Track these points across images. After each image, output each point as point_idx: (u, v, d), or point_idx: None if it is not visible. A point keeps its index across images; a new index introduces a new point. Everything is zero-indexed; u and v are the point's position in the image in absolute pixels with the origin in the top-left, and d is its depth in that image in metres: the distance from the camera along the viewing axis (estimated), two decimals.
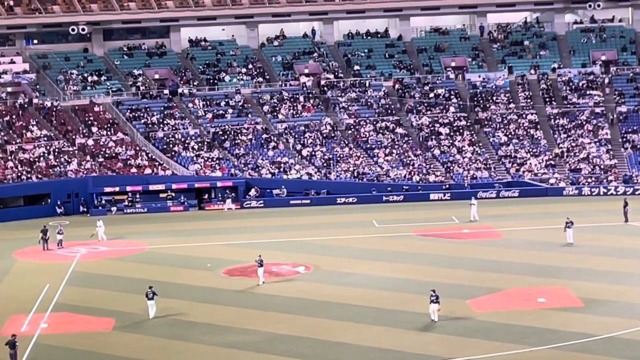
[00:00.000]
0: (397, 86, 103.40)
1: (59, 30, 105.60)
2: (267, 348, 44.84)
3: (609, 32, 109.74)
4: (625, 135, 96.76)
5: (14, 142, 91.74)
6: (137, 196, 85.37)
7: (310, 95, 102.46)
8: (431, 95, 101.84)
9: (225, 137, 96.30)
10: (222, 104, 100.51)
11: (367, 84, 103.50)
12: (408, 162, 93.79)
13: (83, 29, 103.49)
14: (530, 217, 75.79)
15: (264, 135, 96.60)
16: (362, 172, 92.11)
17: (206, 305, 52.58)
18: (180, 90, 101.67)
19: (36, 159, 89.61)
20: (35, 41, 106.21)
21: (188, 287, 56.56)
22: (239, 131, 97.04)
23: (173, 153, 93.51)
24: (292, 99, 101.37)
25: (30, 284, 58.26)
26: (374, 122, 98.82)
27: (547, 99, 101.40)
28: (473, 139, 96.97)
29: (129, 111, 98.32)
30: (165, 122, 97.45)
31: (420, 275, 57.47)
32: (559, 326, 46.43)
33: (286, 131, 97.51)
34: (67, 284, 58.45)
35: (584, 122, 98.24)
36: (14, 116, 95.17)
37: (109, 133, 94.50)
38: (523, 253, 62.77)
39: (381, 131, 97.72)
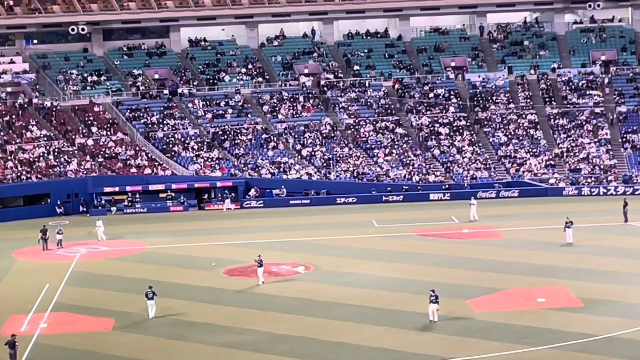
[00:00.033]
0: (397, 86, 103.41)
1: (59, 30, 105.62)
2: (267, 348, 44.83)
3: (609, 32, 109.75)
4: (625, 136, 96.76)
5: (14, 142, 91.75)
6: (137, 196, 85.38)
7: (310, 96, 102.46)
8: (431, 95, 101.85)
9: (225, 137, 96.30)
10: (222, 104, 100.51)
11: (367, 84, 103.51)
12: (408, 162, 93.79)
13: (83, 29, 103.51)
14: (530, 217, 75.79)
15: (264, 136, 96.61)
16: (362, 172, 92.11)
17: (206, 305, 52.58)
18: (180, 91, 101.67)
19: (36, 159, 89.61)
20: (35, 41, 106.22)
21: (188, 287, 56.56)
22: (239, 131, 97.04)
23: (173, 153, 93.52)
24: (292, 99, 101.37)
25: (30, 284, 58.27)
26: (374, 123, 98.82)
27: (547, 99, 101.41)
28: (473, 139, 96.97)
29: (129, 111, 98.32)
30: (165, 122, 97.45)
31: (420, 275, 57.47)
32: (559, 326, 46.43)
33: (286, 131, 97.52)
34: (67, 284, 58.45)
35: (584, 123, 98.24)
36: (14, 116, 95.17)
37: (109, 133, 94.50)
38: (523, 253, 62.77)
39: (381, 131, 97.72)
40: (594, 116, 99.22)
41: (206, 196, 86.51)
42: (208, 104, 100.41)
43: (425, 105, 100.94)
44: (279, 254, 64.33)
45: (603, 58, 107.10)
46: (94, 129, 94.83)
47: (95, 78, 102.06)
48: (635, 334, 44.99)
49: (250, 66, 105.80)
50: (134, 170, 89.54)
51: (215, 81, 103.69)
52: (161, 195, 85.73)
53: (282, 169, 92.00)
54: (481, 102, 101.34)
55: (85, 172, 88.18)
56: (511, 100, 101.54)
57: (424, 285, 52.64)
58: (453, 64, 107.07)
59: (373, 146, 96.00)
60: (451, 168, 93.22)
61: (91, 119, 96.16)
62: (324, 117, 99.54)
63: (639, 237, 67.01)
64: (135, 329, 48.69)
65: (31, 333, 48.10)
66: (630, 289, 53.01)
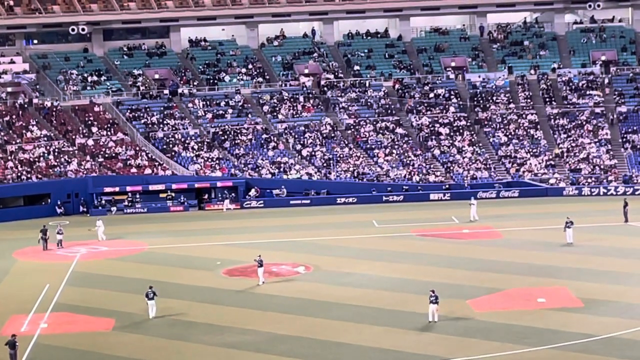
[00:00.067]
0: (397, 86, 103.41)
1: (59, 30, 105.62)
2: (267, 348, 44.83)
3: (609, 32, 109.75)
4: (625, 136, 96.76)
5: (14, 142, 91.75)
6: (137, 196, 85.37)
7: (310, 95, 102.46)
8: (431, 95, 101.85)
9: (225, 137, 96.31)
10: (222, 104, 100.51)
11: (367, 84, 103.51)
12: (408, 162, 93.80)
13: (83, 29, 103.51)
14: (530, 217, 75.79)
15: (264, 135, 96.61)
16: (362, 172, 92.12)
17: (206, 305, 52.57)
18: (180, 90, 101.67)
19: (36, 159, 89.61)
20: (35, 41, 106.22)
21: (188, 287, 56.55)
22: (239, 131, 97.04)
23: (173, 153, 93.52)
24: (292, 99, 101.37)
25: (30, 284, 58.26)
26: (374, 122, 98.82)
27: (547, 99, 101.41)
28: (473, 139, 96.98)
29: (129, 111, 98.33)
30: (165, 122, 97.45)
31: (420, 275, 57.47)
32: (559, 326, 46.43)
33: (286, 131, 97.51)
34: (67, 284, 58.44)
35: (584, 122, 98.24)
36: (14, 116, 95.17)
37: (109, 133, 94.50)
38: (523, 253, 62.77)
39: (381, 131, 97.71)
40: (594, 116, 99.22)
41: (206, 196, 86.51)
42: (208, 103, 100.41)
43: (425, 105, 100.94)
44: (279, 254, 64.32)
45: (603, 58, 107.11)
46: (94, 129, 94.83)
47: (95, 78, 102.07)
48: (635, 334, 45.00)
49: (250, 66, 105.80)
50: (134, 170, 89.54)
51: (215, 81, 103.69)
52: (161, 195, 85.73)
53: (282, 169, 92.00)
54: (481, 102, 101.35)
55: (85, 172, 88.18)
56: (511, 100, 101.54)
57: (424, 285, 52.64)
58: (453, 64, 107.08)
59: (373, 146, 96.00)
60: (451, 168, 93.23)
61: (91, 118, 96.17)
62: (324, 117, 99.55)
63: (639, 237, 67.00)
64: (135, 329, 48.69)
65: (31, 333, 48.10)
66: (630, 289, 53.01)
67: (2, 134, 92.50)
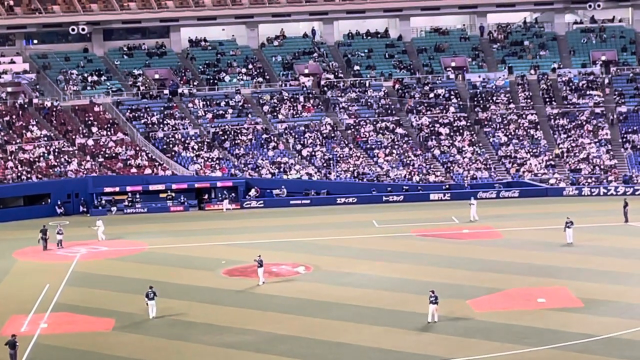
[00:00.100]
0: (397, 86, 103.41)
1: (59, 30, 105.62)
2: (267, 348, 44.83)
3: (609, 32, 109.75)
4: (625, 136, 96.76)
5: (14, 142, 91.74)
6: (137, 196, 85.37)
7: (310, 95, 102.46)
8: (431, 95, 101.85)
9: (225, 137, 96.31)
10: (222, 104, 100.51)
11: (367, 84, 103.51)
12: (408, 162, 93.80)
13: (83, 29, 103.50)
14: (530, 217, 75.79)
15: (264, 136, 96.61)
16: (362, 172, 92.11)
17: (206, 305, 52.57)
18: (180, 90, 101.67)
19: (36, 159, 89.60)
20: (35, 41, 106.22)
21: (188, 287, 56.55)
22: (239, 131, 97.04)
23: (173, 153, 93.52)
24: (292, 99, 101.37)
25: (30, 284, 58.26)
26: (374, 122, 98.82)
27: (547, 99, 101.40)
28: (473, 139, 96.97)
29: (129, 111, 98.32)
30: (165, 122, 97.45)
31: (420, 275, 57.47)
32: (559, 326, 46.43)
33: (286, 131, 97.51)
34: (67, 284, 58.44)
35: (584, 123, 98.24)
36: (14, 116, 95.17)
37: (109, 133, 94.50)
38: (523, 253, 62.77)
39: (381, 131, 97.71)
40: (594, 116, 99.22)
41: (206, 196, 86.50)
42: (208, 103, 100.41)
43: (425, 105, 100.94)
44: (279, 254, 64.32)
45: (603, 58, 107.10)
46: (94, 129, 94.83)
47: (95, 78, 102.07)
48: (635, 334, 44.99)
49: (250, 66, 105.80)
50: (134, 170, 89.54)
51: (215, 81, 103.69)
52: (161, 195, 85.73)
53: (282, 169, 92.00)
54: (481, 102, 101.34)
55: (85, 172, 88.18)
56: (511, 100, 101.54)
57: (424, 285, 52.64)
58: (453, 64, 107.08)
59: (373, 146, 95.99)
60: (451, 168, 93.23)
61: (91, 118, 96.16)
62: (324, 117, 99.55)
63: (639, 237, 67.00)
64: (135, 329, 48.69)
65: (31, 333, 48.09)
66: (630, 289, 53.01)
67: (2, 134, 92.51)
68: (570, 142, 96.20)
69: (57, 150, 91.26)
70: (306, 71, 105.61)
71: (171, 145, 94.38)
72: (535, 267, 58.56)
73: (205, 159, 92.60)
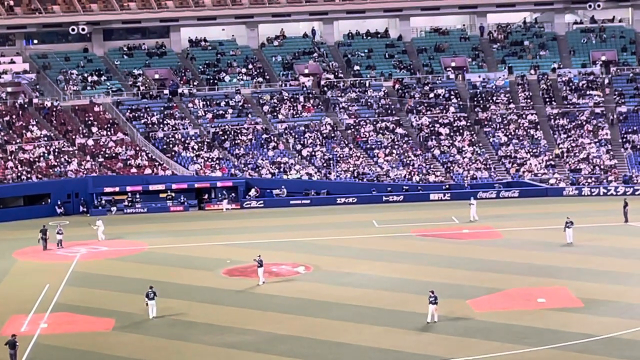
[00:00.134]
0: (397, 86, 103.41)
1: (59, 30, 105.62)
2: (267, 348, 44.83)
3: (609, 32, 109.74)
4: (625, 136, 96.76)
5: (14, 142, 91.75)
6: (137, 196, 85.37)
7: (310, 95, 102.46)
8: (431, 95, 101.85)
9: (225, 137, 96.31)
10: (222, 104, 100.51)
11: (367, 84, 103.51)
12: (408, 162, 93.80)
13: (83, 29, 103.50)
14: (530, 217, 75.79)
15: (264, 136, 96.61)
16: (362, 172, 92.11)
17: (206, 305, 52.57)
18: (180, 90, 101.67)
19: (36, 159, 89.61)
20: (35, 41, 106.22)
21: (188, 287, 56.55)
22: (239, 131, 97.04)
23: (173, 153, 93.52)
24: (292, 99, 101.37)
25: (30, 284, 58.26)
26: (374, 122, 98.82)
27: (547, 99, 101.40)
28: (473, 139, 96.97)
29: (129, 111, 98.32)
30: (165, 122, 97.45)
31: (420, 275, 57.47)
32: (559, 326, 46.43)
33: (286, 131, 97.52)
34: (67, 284, 58.44)
35: (584, 123, 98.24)
36: (14, 116, 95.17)
37: (109, 133, 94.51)
38: (523, 253, 62.77)
39: (381, 131, 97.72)
40: (594, 116, 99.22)
41: (206, 196, 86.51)
42: (208, 103, 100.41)
43: (425, 105, 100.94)
44: (279, 254, 64.32)
45: (603, 58, 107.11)
46: (94, 129, 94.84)
47: (95, 78, 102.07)
48: (635, 334, 45.00)
49: (250, 66, 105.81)
50: (134, 170, 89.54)
51: (215, 81, 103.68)
52: (161, 195, 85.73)
53: (282, 169, 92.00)
54: (481, 102, 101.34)
55: (85, 172, 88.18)
56: (511, 100, 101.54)
57: (424, 285, 52.63)
58: (453, 64, 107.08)
59: (373, 146, 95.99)
60: (451, 168, 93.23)
61: (91, 118, 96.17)
62: (324, 117, 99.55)
63: (639, 237, 67.00)
64: (135, 329, 48.69)
65: (31, 333, 48.10)
66: (630, 289, 53.02)
67: (2, 134, 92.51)
68: (570, 142, 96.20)
69: (57, 150, 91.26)
70: (306, 71, 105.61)
71: (171, 145, 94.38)
72: (535, 267, 58.57)
73: (205, 159, 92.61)
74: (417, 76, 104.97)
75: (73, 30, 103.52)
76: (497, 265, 59.76)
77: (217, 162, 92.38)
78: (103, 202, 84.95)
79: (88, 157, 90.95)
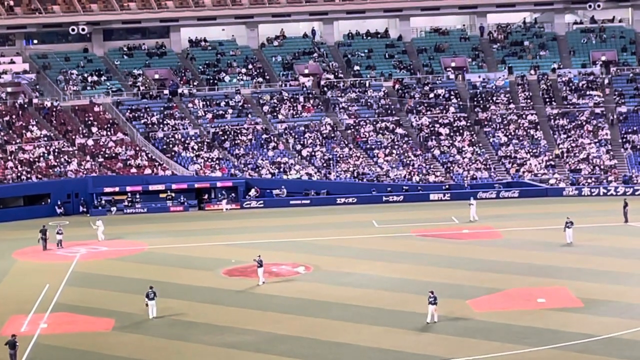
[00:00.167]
0: (397, 86, 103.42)
1: (59, 30, 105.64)
2: (267, 348, 44.82)
3: (609, 32, 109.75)
4: (625, 136, 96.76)
5: (14, 142, 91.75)
6: (137, 196, 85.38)
7: (310, 96, 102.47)
8: (431, 95, 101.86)
9: (225, 137, 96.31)
10: (222, 104, 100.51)
11: (367, 84, 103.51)
12: (408, 162, 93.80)
13: (83, 29, 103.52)
14: (530, 217, 75.79)
15: (264, 136, 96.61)
16: (362, 172, 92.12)
17: (206, 305, 52.57)
18: (180, 91, 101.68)
19: (36, 159, 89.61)
20: (35, 41, 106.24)
21: (188, 287, 56.54)
22: (239, 131, 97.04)
23: (173, 153, 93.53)
24: (292, 99, 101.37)
25: (30, 284, 58.25)
26: (374, 123, 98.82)
27: (547, 100, 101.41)
28: (473, 139, 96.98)
29: (129, 111, 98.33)
30: (165, 122, 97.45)
31: (420, 275, 57.46)
32: (559, 326, 46.42)
33: (286, 131, 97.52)
34: (67, 284, 58.43)
35: (584, 123, 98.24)
36: (14, 116, 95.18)
37: (109, 133, 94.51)
38: (523, 253, 62.77)
39: (381, 131, 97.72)
40: (594, 116, 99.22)
41: (206, 196, 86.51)
42: (208, 104, 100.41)
43: (425, 105, 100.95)
44: (279, 254, 64.32)
45: (603, 58, 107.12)
46: (94, 129, 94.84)
47: (95, 78, 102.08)
48: (635, 334, 44.99)
49: (250, 66, 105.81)
50: (133, 170, 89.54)
51: (215, 81, 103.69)
52: (161, 195, 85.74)
53: (282, 169, 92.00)
54: (481, 102, 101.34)
55: (85, 172, 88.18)
56: (511, 100, 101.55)
57: (424, 285, 52.62)
58: (453, 64, 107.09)
59: (373, 146, 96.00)
60: (451, 168, 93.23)
61: (91, 118, 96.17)
62: (324, 117, 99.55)
63: (639, 237, 67.00)
64: (135, 329, 48.68)
65: (31, 333, 48.08)
66: (630, 289, 53.01)
67: (2, 134, 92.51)
68: (570, 142, 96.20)
69: (57, 150, 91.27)
70: (306, 71, 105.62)
71: (171, 145, 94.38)
72: (535, 267, 58.56)
73: (205, 159, 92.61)
74: (417, 76, 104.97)
75: (73, 30, 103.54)
76: (497, 265, 59.75)
77: (217, 162, 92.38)
78: (103, 202, 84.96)
79: (88, 157, 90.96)
